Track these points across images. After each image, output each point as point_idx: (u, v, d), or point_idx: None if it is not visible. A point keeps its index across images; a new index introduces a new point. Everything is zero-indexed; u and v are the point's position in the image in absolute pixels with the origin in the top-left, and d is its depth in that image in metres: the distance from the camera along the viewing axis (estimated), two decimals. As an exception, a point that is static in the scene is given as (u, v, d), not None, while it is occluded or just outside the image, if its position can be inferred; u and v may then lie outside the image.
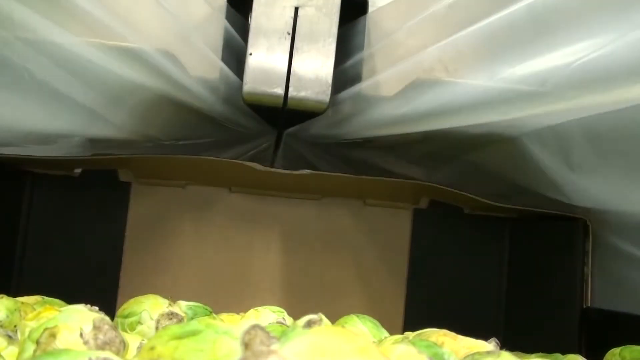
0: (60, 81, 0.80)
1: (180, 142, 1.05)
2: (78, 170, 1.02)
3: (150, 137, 0.99)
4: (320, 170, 1.07)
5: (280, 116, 0.93)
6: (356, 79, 0.92)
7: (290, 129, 1.01)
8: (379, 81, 0.89)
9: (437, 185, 1.03)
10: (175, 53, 0.83)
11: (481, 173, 1.01)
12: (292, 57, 0.86)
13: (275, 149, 1.07)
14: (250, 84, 0.86)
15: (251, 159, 1.09)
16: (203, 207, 1.07)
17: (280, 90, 0.86)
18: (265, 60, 0.86)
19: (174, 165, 1.04)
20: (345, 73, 0.93)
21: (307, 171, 1.01)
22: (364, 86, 0.90)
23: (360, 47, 0.92)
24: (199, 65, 0.87)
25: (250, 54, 0.86)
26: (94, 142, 0.96)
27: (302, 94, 0.86)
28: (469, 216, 1.09)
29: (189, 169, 1.05)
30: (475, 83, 0.77)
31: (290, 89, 0.86)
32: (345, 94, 0.93)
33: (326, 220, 1.08)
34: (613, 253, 0.96)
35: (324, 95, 0.86)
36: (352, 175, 1.08)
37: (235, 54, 0.91)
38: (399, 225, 1.09)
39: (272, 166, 1.08)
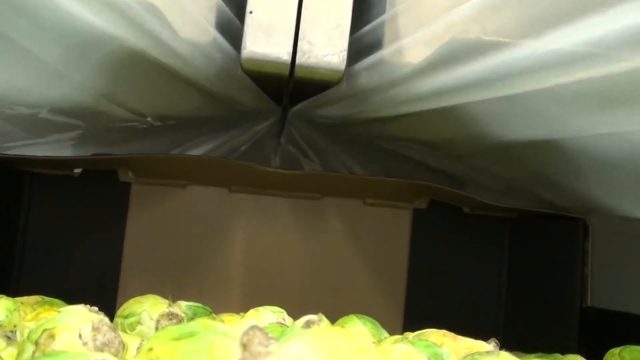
0: (21, 33, 0.66)
1: (169, 122, 0.98)
2: (78, 170, 1.02)
3: (134, 111, 0.91)
4: (327, 159, 1.05)
5: (286, 89, 0.83)
6: (376, 45, 0.78)
7: (297, 107, 0.92)
8: (404, 46, 0.75)
9: (437, 185, 1.03)
10: (160, 7, 0.69)
11: (495, 169, 0.98)
12: (300, 15, 0.72)
13: (279, 133, 1.03)
14: (251, 48, 0.72)
15: (252, 146, 1.06)
16: (203, 207, 1.07)
17: (286, 56, 0.72)
18: (268, 19, 0.72)
19: (174, 165, 1.04)
20: (363, 40, 0.80)
21: (307, 171, 1.01)
22: (385, 53, 0.77)
23: (382, 8, 0.78)
24: (189, 26, 0.74)
25: (251, 12, 0.72)
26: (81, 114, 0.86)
27: (313, 60, 0.72)
28: (469, 216, 1.08)
29: (189, 168, 1.05)
30: (520, 43, 0.64)
31: (298, 54, 0.72)
32: (362, 63, 0.80)
33: (326, 220, 1.08)
34: (613, 253, 0.96)
35: (339, 61, 0.72)
36: (352, 175, 1.08)
37: (233, 12, 0.78)
38: (398, 225, 1.09)
39: (274, 154, 1.07)
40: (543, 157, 0.86)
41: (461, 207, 1.08)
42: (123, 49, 0.70)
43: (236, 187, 1.07)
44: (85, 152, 1.00)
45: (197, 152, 1.08)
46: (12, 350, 0.55)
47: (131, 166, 1.03)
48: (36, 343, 0.49)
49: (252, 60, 0.73)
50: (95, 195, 1.04)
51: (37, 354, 0.49)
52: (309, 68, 0.73)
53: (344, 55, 0.73)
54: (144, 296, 0.77)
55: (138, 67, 0.75)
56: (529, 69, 0.66)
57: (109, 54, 0.71)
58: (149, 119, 0.95)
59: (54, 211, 1.03)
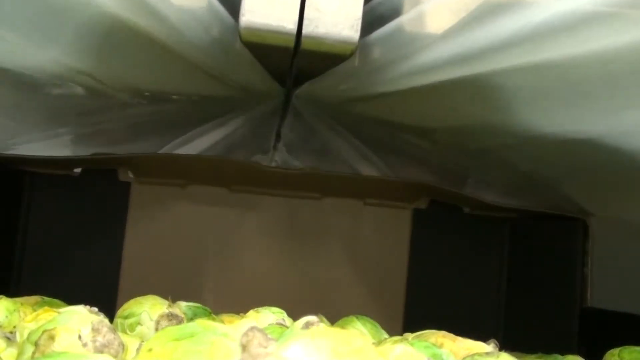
0: None
1: (158, 103, 0.89)
2: (78, 170, 1.03)
3: (117, 91, 0.82)
4: (330, 150, 1.04)
5: (291, 64, 0.75)
6: (393, 14, 0.69)
7: (302, 87, 0.84)
8: (425, 13, 0.66)
9: (437, 185, 1.03)
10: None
11: (497, 166, 0.97)
12: None
13: (281, 120, 0.98)
14: (250, 15, 0.62)
15: (251, 136, 1.04)
16: (203, 207, 1.07)
17: (291, 25, 0.63)
18: (271, -18, 0.63)
19: (174, 164, 1.04)
20: (377, 9, 0.70)
21: (307, 170, 1.01)
22: (404, 20, 0.67)
23: None
24: None
25: None
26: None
27: (321, 30, 0.63)
28: (469, 216, 1.09)
29: (188, 168, 1.05)
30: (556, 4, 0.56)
31: (305, 23, 0.63)
32: (376, 34, 0.70)
33: (326, 220, 1.08)
34: (613, 253, 0.96)
35: (352, 31, 0.63)
36: (352, 175, 1.08)
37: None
38: (399, 225, 1.09)
39: (275, 145, 1.05)
40: (544, 154, 0.86)
41: (461, 207, 1.08)
42: (102, 17, 0.62)
43: (236, 187, 1.07)
44: (85, 151, 1.00)
45: (195, 143, 1.04)
46: (12, 351, 0.54)
47: (131, 166, 1.04)
48: (36, 344, 0.49)
49: (253, 30, 0.64)
50: (95, 195, 1.04)
51: (36, 355, 0.49)
52: (317, 39, 0.64)
53: (357, 24, 0.63)
54: (144, 297, 0.77)
55: (120, 38, 0.66)
56: (556, 30, 0.59)
57: (86, 23, 0.63)
58: (130, 98, 0.86)
59: (54, 211, 1.03)
